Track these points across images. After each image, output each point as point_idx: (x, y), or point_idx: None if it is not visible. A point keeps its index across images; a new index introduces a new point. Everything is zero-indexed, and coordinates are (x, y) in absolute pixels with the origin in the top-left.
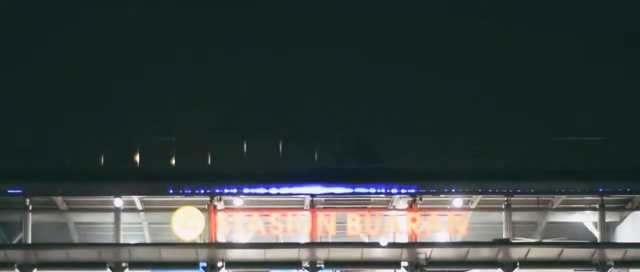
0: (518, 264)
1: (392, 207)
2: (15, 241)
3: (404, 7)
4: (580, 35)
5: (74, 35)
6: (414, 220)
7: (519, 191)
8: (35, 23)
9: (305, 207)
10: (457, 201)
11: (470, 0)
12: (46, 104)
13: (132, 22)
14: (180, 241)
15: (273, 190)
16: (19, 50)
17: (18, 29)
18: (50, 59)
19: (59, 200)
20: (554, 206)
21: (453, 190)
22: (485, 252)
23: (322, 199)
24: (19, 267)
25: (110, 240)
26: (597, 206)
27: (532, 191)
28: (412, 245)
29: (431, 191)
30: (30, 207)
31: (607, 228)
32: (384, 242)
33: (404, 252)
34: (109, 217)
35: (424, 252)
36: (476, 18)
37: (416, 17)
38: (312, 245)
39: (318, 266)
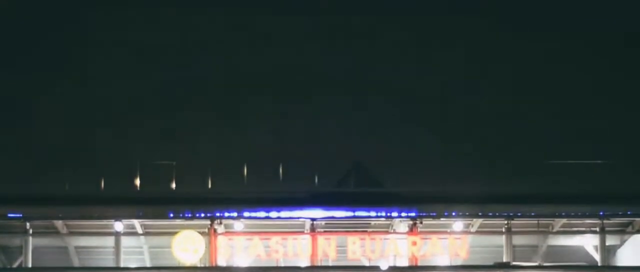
0: None
1: (392, 231)
2: (15, 265)
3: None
4: (582, 52)
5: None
6: (414, 243)
7: (519, 214)
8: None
9: (305, 231)
10: (458, 225)
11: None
12: (46, 126)
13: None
14: (181, 265)
15: (273, 214)
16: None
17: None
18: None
19: (59, 224)
20: (555, 230)
21: (453, 213)
22: None
23: (323, 222)
24: None
25: (111, 264)
26: (597, 229)
27: (533, 214)
28: (413, 268)
29: (431, 214)
30: (31, 231)
31: (607, 251)
32: (384, 266)
33: None
34: (110, 241)
35: None
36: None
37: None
38: (312, 269)
39: None
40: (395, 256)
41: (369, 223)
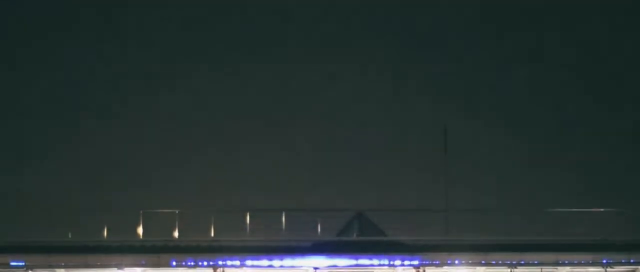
0: None
1: None
2: None
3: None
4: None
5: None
6: None
7: (523, 262)
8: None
9: None
10: None
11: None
12: (48, 176)
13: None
14: None
15: (276, 262)
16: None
17: None
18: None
19: None
20: None
21: (456, 262)
22: None
23: (326, 271)
24: None
25: None
26: None
27: (536, 262)
28: None
29: (435, 262)
30: None
31: None
32: None
33: None
34: None
35: None
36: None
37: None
38: None
39: None
40: None
41: (372, 271)
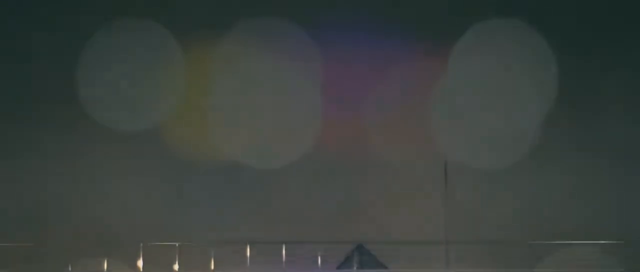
0: None
1: None
2: None
3: None
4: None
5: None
6: None
7: None
8: None
9: None
10: None
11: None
12: (48, 201)
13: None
14: None
15: None
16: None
17: None
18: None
19: None
20: None
21: None
22: None
23: None
24: None
25: None
26: None
27: None
28: None
29: None
30: None
31: None
32: None
33: None
34: None
35: None
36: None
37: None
38: None
39: None
40: None
41: None
